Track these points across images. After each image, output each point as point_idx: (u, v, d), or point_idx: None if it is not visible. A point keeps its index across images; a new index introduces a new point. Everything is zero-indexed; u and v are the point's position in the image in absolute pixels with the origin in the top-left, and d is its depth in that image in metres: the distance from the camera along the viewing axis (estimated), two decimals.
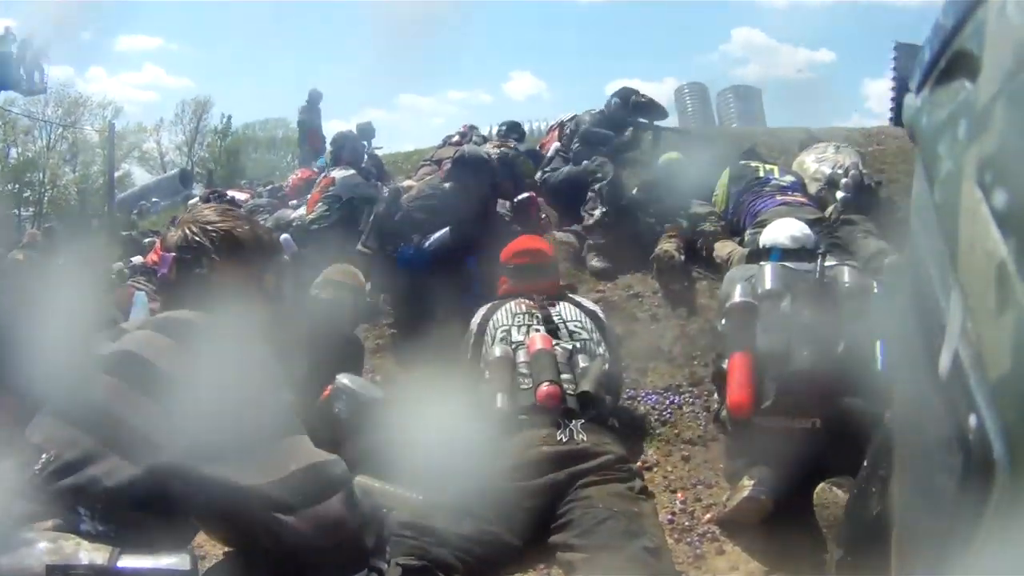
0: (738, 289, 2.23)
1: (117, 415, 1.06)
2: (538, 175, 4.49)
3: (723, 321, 2.24)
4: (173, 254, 1.25)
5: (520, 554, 1.78)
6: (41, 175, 21.69)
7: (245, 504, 1.02)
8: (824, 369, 1.97)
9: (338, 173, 4.22)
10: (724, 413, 2.17)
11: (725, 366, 2.13)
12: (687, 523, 2.12)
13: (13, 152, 22.35)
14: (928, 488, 0.81)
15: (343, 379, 1.54)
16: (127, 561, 0.97)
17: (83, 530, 1.01)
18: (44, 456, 1.05)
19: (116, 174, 15.88)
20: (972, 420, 0.62)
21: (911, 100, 1.02)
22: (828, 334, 2.04)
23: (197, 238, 1.25)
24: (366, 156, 5.26)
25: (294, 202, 5.01)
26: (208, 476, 1.01)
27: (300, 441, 1.10)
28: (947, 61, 0.86)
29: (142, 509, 1.02)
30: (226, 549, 1.22)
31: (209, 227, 1.26)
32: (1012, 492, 0.57)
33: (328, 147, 5.21)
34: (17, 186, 21.94)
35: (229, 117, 24.17)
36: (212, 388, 1.07)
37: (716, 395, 2.35)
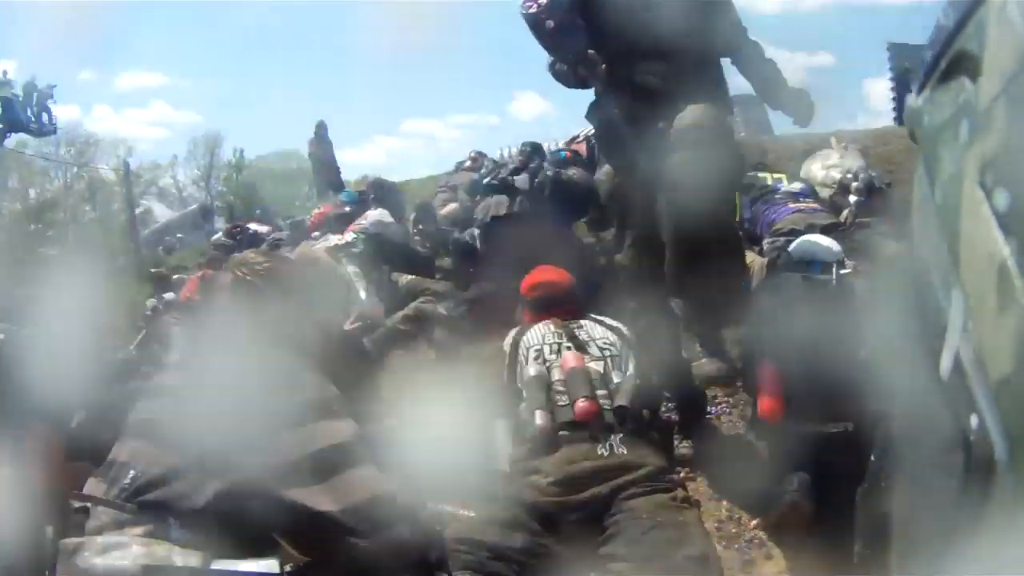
0: (760, 300, 2.31)
1: (198, 436, 1.13)
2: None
3: (746, 329, 2.29)
4: (227, 293, 1.39)
5: (570, 567, 1.82)
6: (63, 214, 21.58)
7: (320, 527, 1.08)
8: (846, 373, 2.01)
9: (376, 212, 4.36)
10: (759, 421, 2.21)
11: (755, 374, 2.17)
12: (734, 530, 2.15)
13: (32, 193, 22.73)
14: (929, 488, 0.81)
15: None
16: (220, 564, 1.02)
17: (173, 537, 1.07)
18: (132, 472, 1.12)
19: (137, 211, 16.46)
20: (973, 420, 0.63)
21: (912, 101, 1.03)
22: (848, 339, 2.09)
23: (248, 278, 1.38)
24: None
25: (316, 234, 5.05)
26: (286, 499, 1.07)
27: (369, 471, 1.16)
28: (948, 62, 0.86)
29: (227, 522, 1.07)
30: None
31: (258, 266, 1.40)
32: (1013, 491, 0.57)
33: (368, 191, 5.31)
34: (39, 225, 22.87)
35: (242, 151, 24.01)
36: (285, 417, 1.14)
37: (752, 404, 2.39)
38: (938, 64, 0.90)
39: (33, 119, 14.98)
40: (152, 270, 6.38)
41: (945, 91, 0.87)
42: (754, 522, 2.14)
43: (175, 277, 5.65)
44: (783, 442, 2.10)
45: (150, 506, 1.09)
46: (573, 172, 4.25)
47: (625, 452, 1.90)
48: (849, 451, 1.97)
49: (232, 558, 1.05)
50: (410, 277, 3.90)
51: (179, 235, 10.19)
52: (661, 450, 2.02)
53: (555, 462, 1.90)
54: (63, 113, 21.86)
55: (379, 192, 4.99)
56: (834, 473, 2.01)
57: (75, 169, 22.43)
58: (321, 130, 8.89)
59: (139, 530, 1.07)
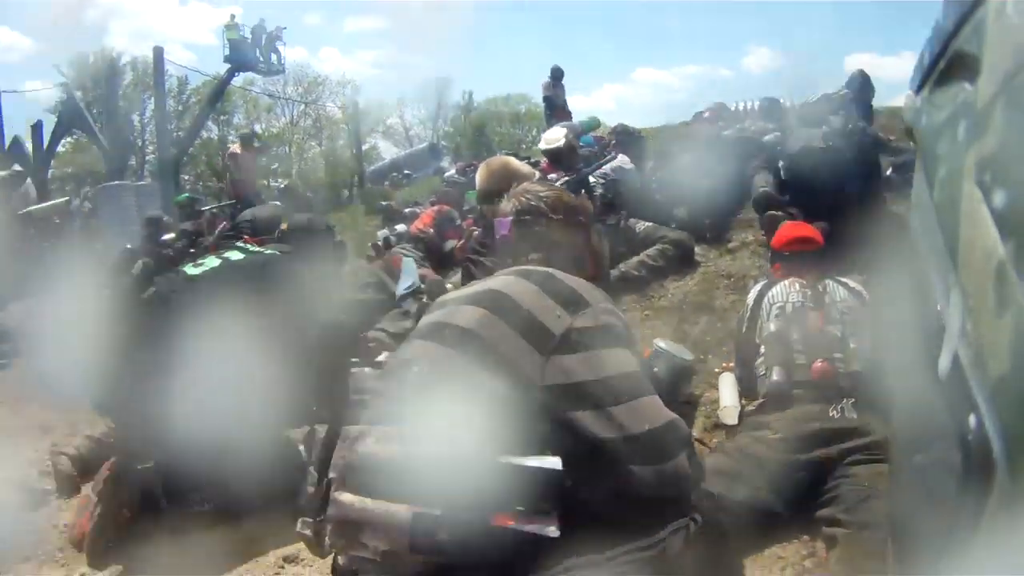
0: None
1: (486, 339, 1.17)
2: None
3: None
4: (511, 218, 1.45)
5: (787, 524, 1.83)
6: (287, 149, 22.84)
7: (601, 452, 1.08)
8: None
9: (619, 158, 4.33)
10: None
11: None
12: None
13: (257, 128, 23.66)
14: (928, 488, 0.81)
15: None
16: (504, 458, 1.04)
17: None
18: (415, 368, 1.20)
19: (363, 147, 16.96)
20: (972, 420, 0.63)
21: (911, 100, 1.03)
22: None
23: (532, 203, 1.45)
24: None
25: (552, 176, 4.99)
26: (569, 422, 1.09)
27: (653, 401, 1.16)
28: (947, 62, 0.86)
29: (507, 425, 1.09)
30: None
31: (541, 193, 1.48)
32: (1012, 492, 0.57)
33: (611, 137, 5.24)
34: (264, 159, 24.14)
35: (471, 93, 25.06)
36: (581, 338, 1.16)
37: None
38: (937, 64, 0.91)
39: (261, 59, 15.74)
40: (382, 203, 6.53)
41: (944, 91, 0.87)
42: None
43: (407, 210, 5.80)
44: None
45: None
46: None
47: (855, 417, 1.92)
48: None
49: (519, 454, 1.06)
50: (647, 224, 3.88)
51: (406, 171, 10.34)
52: (888, 420, 2.02)
53: (786, 419, 1.94)
54: (291, 55, 23.75)
55: (622, 137, 4.98)
56: None
57: (301, 107, 23.53)
58: (557, 73, 9.05)
59: None
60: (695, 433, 2.24)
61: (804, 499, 1.81)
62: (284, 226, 2.90)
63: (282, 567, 2.16)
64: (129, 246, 6.27)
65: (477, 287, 1.30)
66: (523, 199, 1.45)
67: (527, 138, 21.52)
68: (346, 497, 1.07)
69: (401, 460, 1.06)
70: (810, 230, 2.63)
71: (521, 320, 1.16)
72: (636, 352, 1.26)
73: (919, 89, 0.99)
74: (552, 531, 1.00)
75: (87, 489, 2.53)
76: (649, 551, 1.06)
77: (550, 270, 1.29)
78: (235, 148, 8.38)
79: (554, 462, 1.03)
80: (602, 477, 1.09)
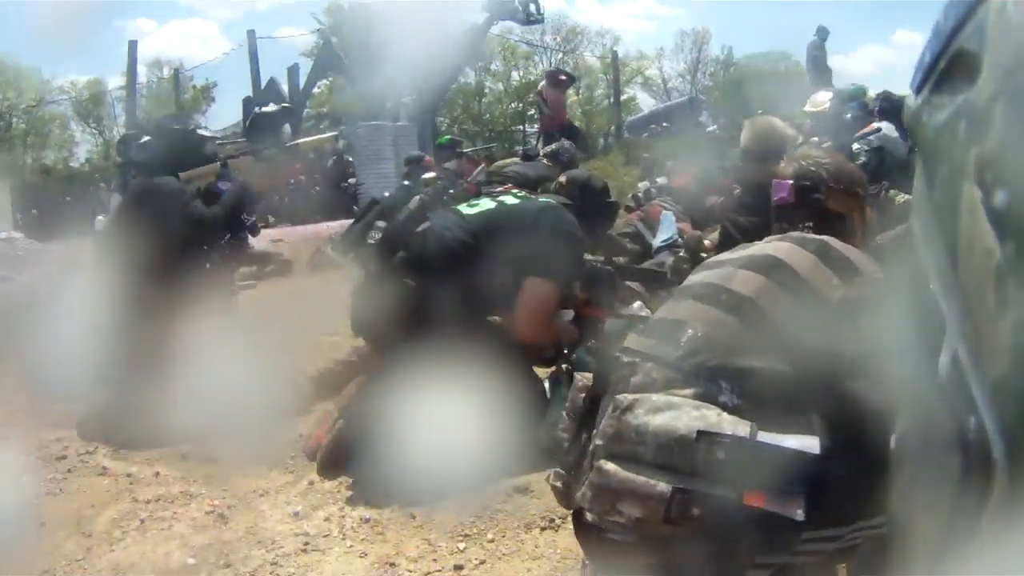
0: None
1: (763, 307, 1.17)
2: None
3: None
4: (791, 182, 1.43)
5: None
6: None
7: (870, 423, 1.05)
8: None
9: (885, 125, 4.27)
10: None
11: None
12: None
13: (515, 76, 24.29)
14: (927, 488, 0.81)
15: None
16: (765, 437, 1.03)
17: (721, 401, 1.10)
18: (690, 331, 1.18)
19: (622, 98, 17.23)
20: (971, 421, 0.62)
21: (911, 100, 1.02)
22: None
23: (813, 169, 1.43)
24: None
25: (815, 139, 4.95)
26: (838, 391, 1.08)
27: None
28: (947, 61, 0.86)
29: (776, 399, 1.09)
30: None
31: (824, 161, 1.46)
32: (1011, 493, 0.57)
33: (875, 102, 5.12)
34: (521, 105, 23.69)
35: (730, 48, 24.93)
36: (855, 306, 1.15)
37: None
38: (937, 64, 0.90)
39: (520, 8, 15.58)
40: (644, 155, 6.50)
41: (944, 91, 0.87)
42: None
43: (668, 163, 5.79)
44: None
45: (704, 370, 1.12)
46: None
47: None
48: None
49: (777, 427, 1.05)
50: (908, 196, 3.79)
51: (665, 124, 10.30)
52: None
53: None
54: (549, 4, 24.42)
55: (886, 104, 4.87)
56: None
57: (560, 55, 23.74)
58: (823, 33, 9.07)
59: (688, 391, 1.10)
60: None
61: None
62: (563, 179, 2.90)
63: (510, 496, 2.18)
64: (407, 183, 6.34)
65: (754, 251, 1.30)
66: (804, 164, 1.44)
67: (787, 96, 21.23)
68: (610, 467, 1.08)
69: (667, 433, 1.05)
70: None
71: (800, 290, 1.16)
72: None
73: (919, 89, 0.99)
74: (799, 514, 1.01)
75: (327, 405, 2.57)
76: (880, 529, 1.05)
77: (826, 238, 1.28)
78: (543, 86, 8.67)
79: (812, 444, 1.02)
80: (865, 449, 1.06)
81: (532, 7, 15.87)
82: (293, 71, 14.91)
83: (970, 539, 0.62)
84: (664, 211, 3.96)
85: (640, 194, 4.96)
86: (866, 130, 4.24)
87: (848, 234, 1.39)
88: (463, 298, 2.24)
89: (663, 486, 1.02)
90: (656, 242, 3.67)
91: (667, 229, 3.65)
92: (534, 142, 15.74)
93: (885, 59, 32.55)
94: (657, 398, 1.10)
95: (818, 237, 1.31)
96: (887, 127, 4.28)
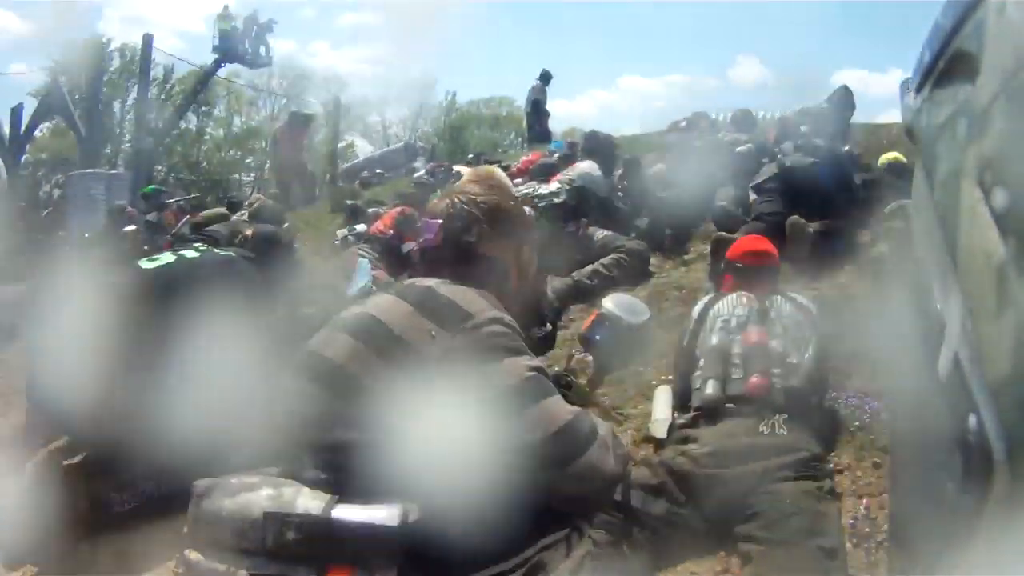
0: None
1: (353, 374, 1.11)
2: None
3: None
4: (440, 221, 1.31)
5: (706, 540, 1.82)
6: (264, 143, 22.28)
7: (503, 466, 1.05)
8: None
9: (586, 164, 4.30)
10: None
11: None
12: (867, 529, 2.11)
13: (237, 121, 23.69)
14: (928, 488, 0.81)
15: (607, 303, 1.57)
16: (340, 512, 1.00)
17: (306, 477, 1.05)
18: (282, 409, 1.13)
19: (340, 145, 16.94)
20: (972, 420, 0.62)
21: (911, 100, 1.02)
22: None
23: (467, 208, 1.30)
24: None
25: (519, 181, 4.96)
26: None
27: (547, 406, 1.12)
28: (946, 62, 0.86)
29: (363, 469, 1.05)
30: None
31: (479, 199, 1.32)
32: (1012, 492, 0.57)
33: (579, 142, 5.19)
34: (239, 153, 23.49)
35: (454, 94, 24.92)
36: (447, 358, 1.10)
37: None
38: (937, 64, 0.90)
39: (249, 51, 15.57)
40: (348, 202, 6.48)
41: (944, 91, 0.87)
42: (886, 527, 2.10)
43: (370, 211, 5.72)
44: None
45: (292, 446, 1.08)
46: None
47: (785, 433, 1.89)
48: None
49: (364, 498, 1.03)
50: (606, 232, 3.86)
51: (378, 170, 10.29)
52: (821, 437, 2.00)
53: (714, 434, 1.91)
54: (280, 47, 23.77)
55: (591, 144, 4.88)
56: None
57: (283, 101, 22.95)
58: (546, 77, 8.94)
59: (274, 469, 1.06)
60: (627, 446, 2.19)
61: (726, 515, 1.79)
62: (249, 232, 2.90)
63: None
64: (87, 235, 6.30)
65: (357, 310, 1.22)
66: (458, 202, 1.31)
67: (504, 141, 21.38)
68: (193, 556, 1.04)
69: (241, 516, 1.02)
70: (766, 244, 2.62)
71: (392, 351, 1.10)
72: (530, 352, 1.19)
73: (919, 89, 0.99)
74: None
75: None
76: (515, 572, 1.04)
77: (432, 284, 1.21)
78: (279, 128, 8.60)
79: (390, 516, 1.00)
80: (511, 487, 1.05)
81: (261, 49, 15.65)
82: (16, 111, 14.41)
83: (970, 538, 0.62)
84: (360, 258, 3.92)
85: (338, 241, 4.90)
86: (568, 169, 4.33)
87: (499, 278, 1.29)
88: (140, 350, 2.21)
89: (242, 573, 1.00)
90: (351, 290, 3.65)
91: (362, 277, 3.63)
92: (249, 191, 15.00)
93: (609, 102, 32.86)
94: (236, 480, 1.06)
95: (424, 283, 1.22)
96: (589, 166, 4.32)
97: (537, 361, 1.19)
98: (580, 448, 1.10)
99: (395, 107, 25.00)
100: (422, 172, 7.03)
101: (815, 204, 3.66)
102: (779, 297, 2.31)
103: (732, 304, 2.27)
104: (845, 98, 5.17)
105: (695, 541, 1.81)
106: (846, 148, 4.51)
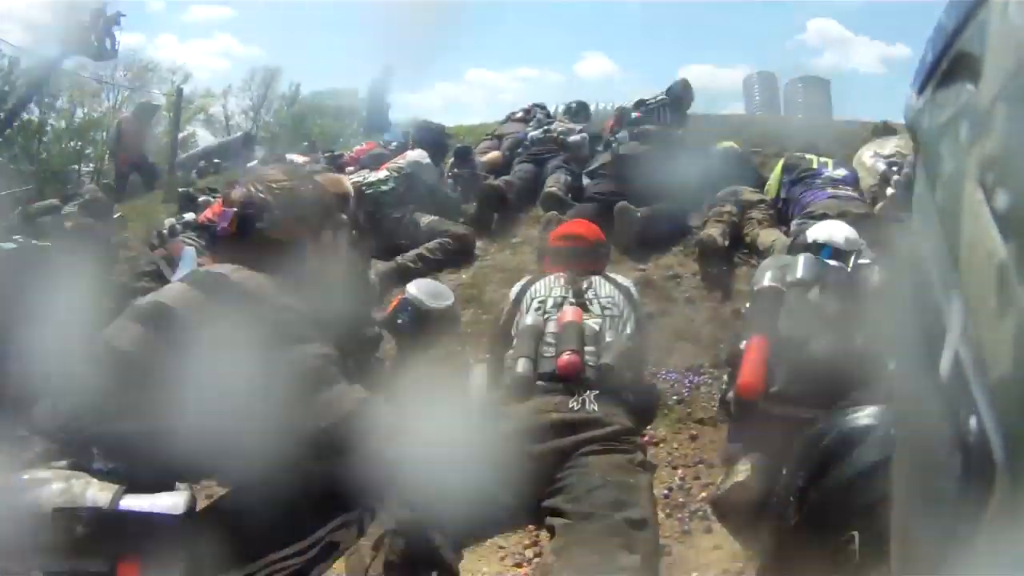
0: (767, 275, 2.29)
1: (140, 362, 1.10)
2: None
3: (749, 304, 2.28)
4: (235, 209, 1.28)
5: (514, 515, 1.82)
6: (104, 134, 21.55)
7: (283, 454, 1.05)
8: (839, 362, 1.98)
9: (415, 152, 4.37)
10: (731, 395, 2.17)
11: (742, 347, 2.13)
12: (681, 499, 2.17)
13: (79, 112, 23.12)
14: (928, 489, 0.81)
15: (411, 288, 1.55)
16: (128, 502, 1.00)
17: (95, 468, 1.04)
18: (61, 399, 1.11)
19: (181, 135, 16.37)
20: (972, 422, 0.62)
21: (913, 101, 1.02)
22: (849, 329, 2.07)
23: (261, 194, 1.29)
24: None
25: (351, 169, 5.02)
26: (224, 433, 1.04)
27: (340, 391, 1.13)
28: (949, 62, 0.86)
29: (150, 456, 1.05)
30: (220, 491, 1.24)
31: (274, 185, 1.30)
32: (1012, 493, 0.57)
33: (411, 131, 5.24)
34: (80, 143, 22.85)
35: (298, 85, 24.63)
36: (234, 345, 1.10)
37: (726, 376, 2.36)
38: (939, 64, 0.90)
39: (95, 43, 15.28)
40: (180, 190, 6.37)
41: (946, 92, 0.87)
42: (702, 495, 2.15)
43: (201, 199, 5.64)
44: (750, 420, 2.08)
45: (80, 437, 1.07)
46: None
47: (595, 409, 1.90)
48: (817, 441, 1.96)
49: (152, 487, 1.03)
50: (432, 218, 3.92)
51: (216, 160, 10.20)
52: (634, 411, 2.01)
53: (524, 411, 1.91)
54: (128, 40, 22.06)
55: (421, 133, 5.06)
56: (798, 460, 2.02)
57: (127, 92, 22.50)
58: (387, 71, 8.98)
59: (64, 462, 1.05)
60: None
61: (537, 490, 1.79)
62: (69, 225, 2.92)
63: None
64: None
65: (150, 298, 1.21)
66: (253, 189, 1.29)
67: (347, 132, 20.76)
68: None
69: (31, 513, 1.00)
70: (584, 227, 2.66)
71: (179, 335, 1.10)
72: (319, 340, 1.19)
73: (921, 90, 0.99)
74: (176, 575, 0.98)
75: None
76: (301, 556, 1.05)
77: (225, 270, 1.20)
78: (123, 119, 8.56)
79: (175, 504, 0.99)
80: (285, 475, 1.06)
81: (108, 42, 15.62)
82: None
83: (971, 539, 0.62)
84: (186, 247, 3.86)
85: (165, 231, 4.79)
86: (398, 158, 4.42)
87: (295, 263, 1.28)
88: None
89: (35, 573, 0.97)
90: (174, 279, 3.66)
91: (186, 265, 3.60)
92: (87, 182, 14.43)
93: (456, 95, 33.75)
94: (29, 475, 1.03)
95: (217, 271, 1.22)
96: (418, 154, 4.44)
97: (327, 348, 1.18)
98: (363, 435, 1.10)
99: (239, 98, 24.70)
100: (255, 162, 7.00)
101: (647, 189, 3.78)
102: (597, 277, 2.34)
103: (550, 285, 2.29)
104: (683, 90, 5.45)
105: (505, 517, 1.81)
106: (680, 133, 4.76)
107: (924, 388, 0.77)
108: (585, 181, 4.29)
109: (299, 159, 6.44)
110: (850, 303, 2.15)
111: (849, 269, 2.30)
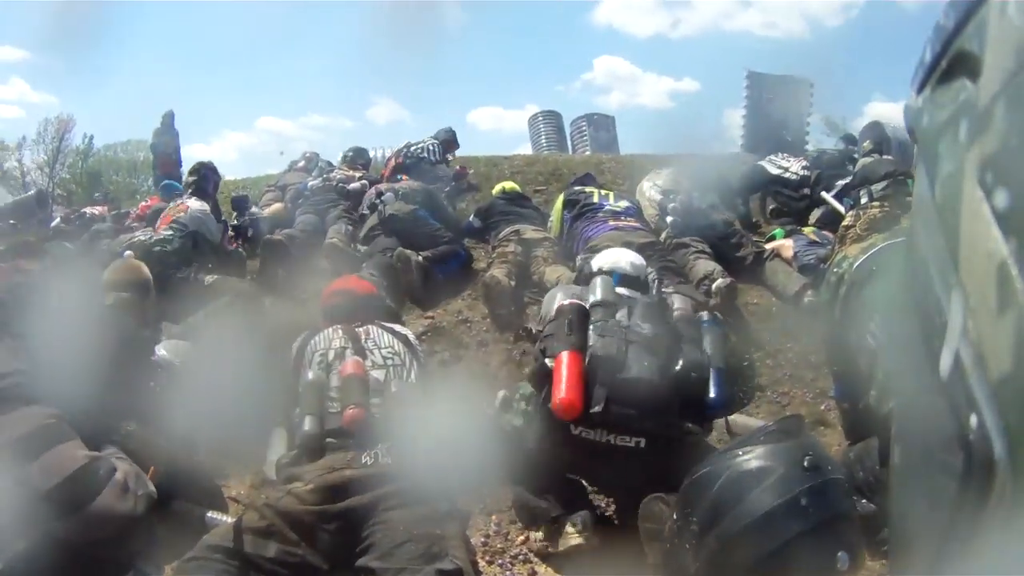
0: (559, 297, 2.20)
1: None
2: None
3: (547, 323, 2.17)
4: None
5: (329, 575, 1.78)
6: None
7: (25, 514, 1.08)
8: (659, 383, 1.93)
9: (194, 203, 4.13)
10: (538, 422, 2.05)
11: (549, 364, 1.99)
12: (500, 545, 2.07)
13: None
14: (928, 487, 0.81)
15: (160, 350, 1.56)
16: None
17: None
18: None
19: None
20: (973, 420, 0.63)
21: (912, 101, 1.02)
22: (666, 351, 2.02)
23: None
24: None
25: (135, 225, 5.01)
26: None
27: (65, 449, 1.16)
28: (948, 62, 0.86)
29: None
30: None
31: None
32: (1012, 491, 0.57)
33: (187, 175, 4.99)
34: None
35: (91, 137, 23.03)
36: None
37: (524, 402, 2.17)
38: (938, 64, 0.90)
39: None
40: None
41: (945, 91, 0.87)
42: (521, 538, 2.08)
43: None
44: (564, 447, 1.97)
45: None
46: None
47: (390, 462, 1.86)
48: (636, 467, 1.92)
49: None
50: (216, 277, 3.71)
51: (11, 221, 9.92)
52: (433, 459, 1.92)
53: (316, 469, 1.85)
54: None
55: (201, 178, 4.50)
56: (616, 485, 2.01)
57: None
58: (167, 119, 8.63)
59: None
60: (235, 493, 2.18)
61: (345, 549, 1.75)
62: None
63: None
64: None
65: None
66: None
67: (142, 188, 19.54)
68: None
69: None
70: (353, 283, 2.66)
71: None
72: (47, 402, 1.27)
73: (920, 89, 0.99)
74: None
75: None
76: None
77: None
78: None
79: None
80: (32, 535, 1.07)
81: None
82: None
83: (971, 538, 0.62)
84: None
85: None
86: (176, 210, 4.19)
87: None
88: None
89: None
90: None
91: None
92: None
93: (247, 145, 32.90)
94: None
95: None
96: (199, 207, 4.12)
97: (58, 410, 1.21)
98: (91, 493, 1.13)
99: (33, 151, 22.71)
100: (58, 220, 6.81)
101: (422, 241, 3.87)
102: (373, 327, 2.31)
103: (328, 338, 2.25)
104: (449, 137, 5.93)
105: None
106: (447, 178, 5.23)
107: (925, 387, 0.77)
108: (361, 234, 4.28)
109: (96, 211, 6.45)
110: (660, 327, 2.08)
111: (653, 294, 2.27)
